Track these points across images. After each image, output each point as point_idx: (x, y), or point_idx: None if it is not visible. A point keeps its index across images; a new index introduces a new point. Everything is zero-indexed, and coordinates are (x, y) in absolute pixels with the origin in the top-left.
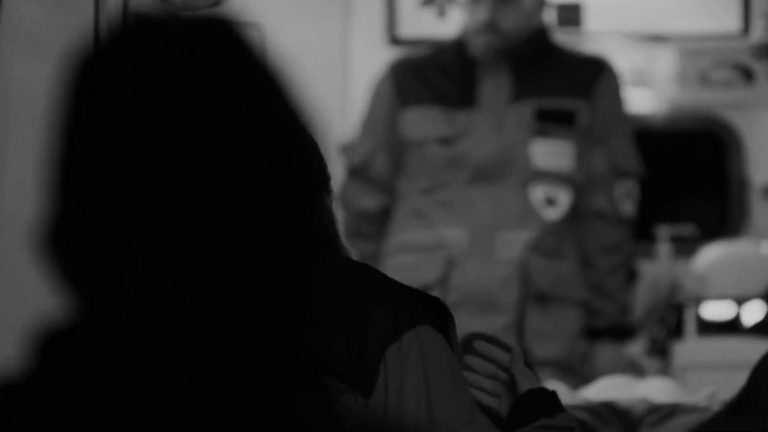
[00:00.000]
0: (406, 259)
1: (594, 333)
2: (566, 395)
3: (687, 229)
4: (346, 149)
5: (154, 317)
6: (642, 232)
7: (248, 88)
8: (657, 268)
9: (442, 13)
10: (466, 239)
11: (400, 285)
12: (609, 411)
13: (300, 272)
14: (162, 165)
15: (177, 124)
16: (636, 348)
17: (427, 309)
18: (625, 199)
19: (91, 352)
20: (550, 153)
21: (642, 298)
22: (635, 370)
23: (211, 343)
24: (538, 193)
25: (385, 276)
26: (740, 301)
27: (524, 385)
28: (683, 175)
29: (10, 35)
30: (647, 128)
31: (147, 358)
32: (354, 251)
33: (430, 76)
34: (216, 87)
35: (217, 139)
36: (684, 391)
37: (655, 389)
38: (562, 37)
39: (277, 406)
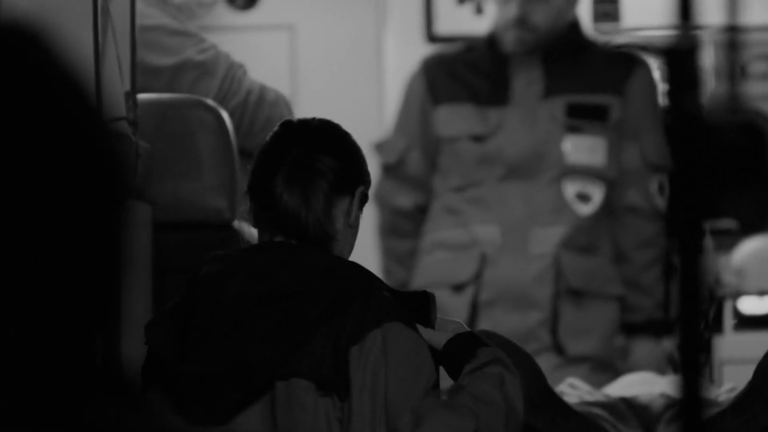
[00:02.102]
0: (441, 257)
1: (631, 328)
2: (586, 392)
3: (728, 223)
4: (380, 147)
5: None
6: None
7: (21, 101)
8: None
9: (479, 10)
10: (499, 236)
11: (379, 282)
12: (627, 407)
13: (92, 281)
14: None
15: None
16: (672, 342)
17: (399, 304)
18: (659, 193)
19: None
20: (583, 149)
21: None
22: (674, 365)
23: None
24: (570, 189)
25: (367, 273)
26: None
27: (440, 340)
28: (724, 169)
29: None
30: None
31: None
32: (389, 249)
33: (462, 73)
34: None
35: None
36: (708, 386)
37: (677, 384)
38: (599, 32)
39: (75, 417)
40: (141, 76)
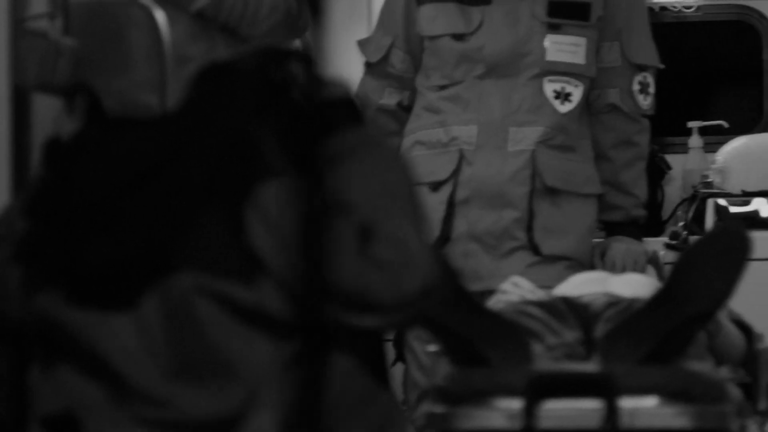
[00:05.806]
0: (420, 155)
1: (610, 227)
2: (528, 291)
3: (720, 123)
4: (364, 44)
5: None
6: (674, 126)
7: None
8: (688, 162)
9: None
10: (478, 134)
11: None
12: (567, 306)
13: None
14: None
15: None
16: (658, 242)
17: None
18: (642, 92)
19: None
20: (563, 47)
21: (673, 192)
22: (655, 264)
23: None
24: (550, 87)
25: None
26: (760, 194)
27: None
28: (717, 67)
29: None
30: (679, 19)
31: None
32: None
33: None
34: None
35: None
36: (655, 284)
37: (624, 283)
38: None
39: None
40: None
